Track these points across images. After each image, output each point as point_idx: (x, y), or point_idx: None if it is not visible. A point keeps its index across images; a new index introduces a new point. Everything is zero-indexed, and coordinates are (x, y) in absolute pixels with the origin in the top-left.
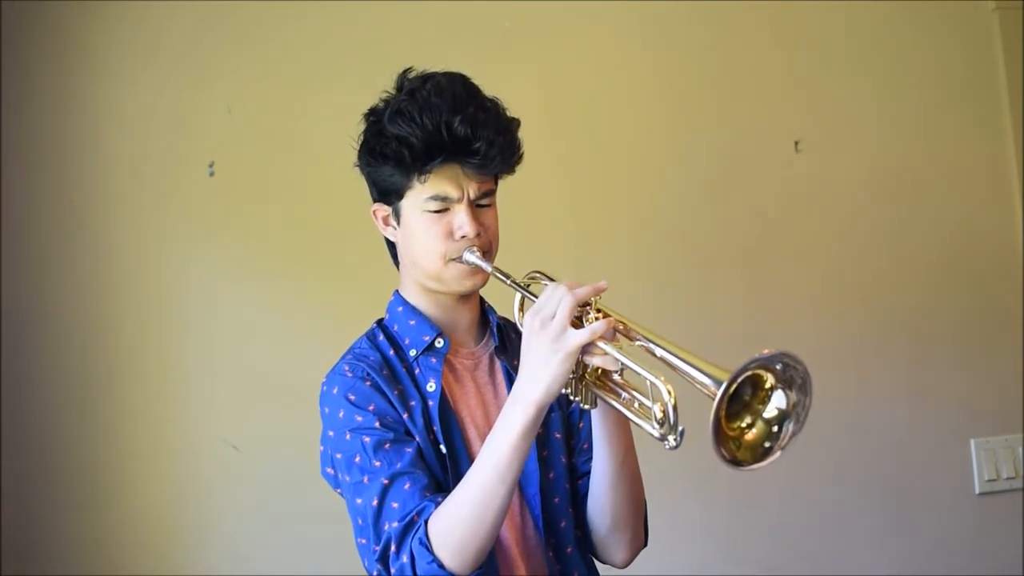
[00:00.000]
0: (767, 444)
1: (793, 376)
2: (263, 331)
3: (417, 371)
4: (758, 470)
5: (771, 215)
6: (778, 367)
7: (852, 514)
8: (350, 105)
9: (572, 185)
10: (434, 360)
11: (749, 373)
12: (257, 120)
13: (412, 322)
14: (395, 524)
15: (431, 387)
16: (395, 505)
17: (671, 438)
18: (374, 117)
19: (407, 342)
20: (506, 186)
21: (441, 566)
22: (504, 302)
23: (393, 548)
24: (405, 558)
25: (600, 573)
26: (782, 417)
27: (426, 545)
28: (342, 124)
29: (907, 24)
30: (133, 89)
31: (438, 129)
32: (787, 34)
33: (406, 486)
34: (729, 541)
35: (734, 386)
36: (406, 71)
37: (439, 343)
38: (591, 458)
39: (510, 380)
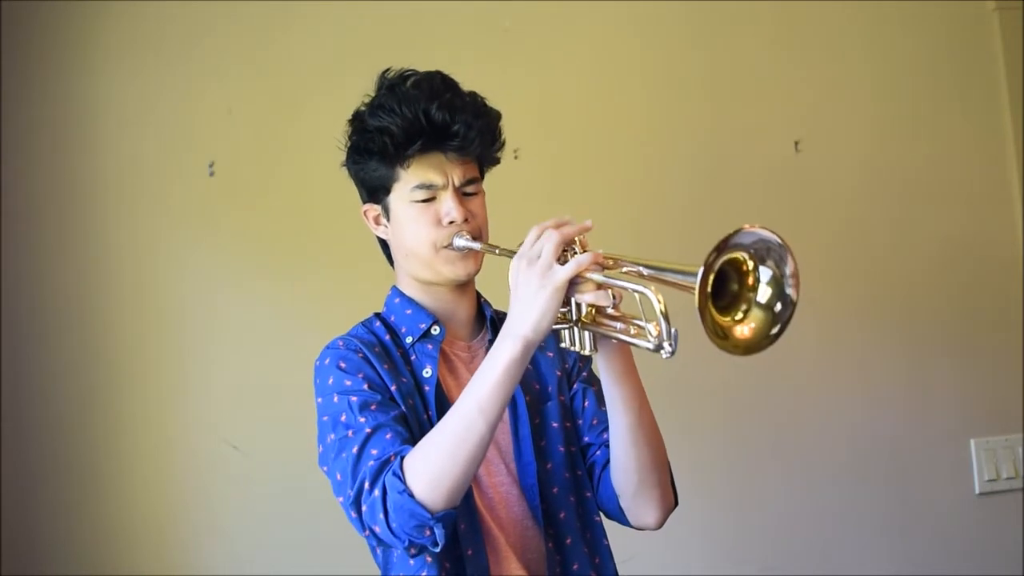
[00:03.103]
0: (774, 331)
1: (767, 250)
2: (263, 331)
3: (413, 357)
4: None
5: (771, 215)
6: (752, 249)
7: (852, 514)
8: (350, 105)
9: (571, 185)
10: (430, 347)
11: (726, 258)
12: (257, 120)
13: (408, 311)
14: (371, 463)
15: (427, 373)
16: (374, 451)
17: (666, 345)
18: (357, 117)
19: (403, 330)
20: (506, 185)
21: (411, 496)
22: (502, 297)
23: (367, 485)
24: (377, 492)
25: (607, 561)
26: (779, 291)
27: (399, 476)
28: (342, 124)
29: (907, 24)
30: (133, 89)
31: (417, 116)
32: (787, 34)
33: (387, 436)
34: (728, 541)
35: (712, 274)
36: (385, 71)
37: (435, 330)
38: (606, 428)
39: None
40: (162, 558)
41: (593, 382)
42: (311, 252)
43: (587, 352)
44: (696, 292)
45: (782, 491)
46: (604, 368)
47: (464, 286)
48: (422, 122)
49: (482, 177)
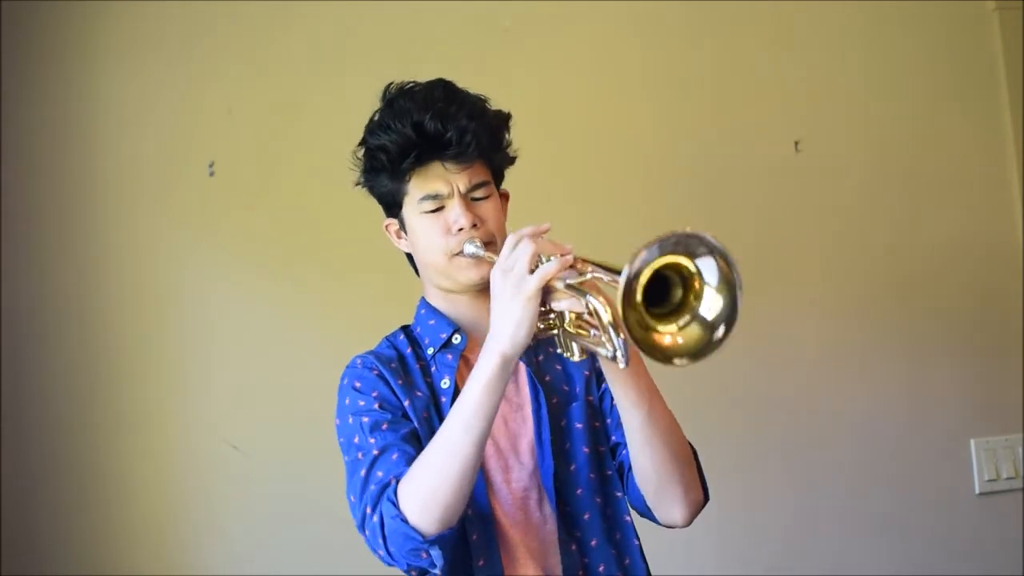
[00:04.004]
0: (709, 338)
1: (694, 246)
2: (263, 331)
3: (433, 368)
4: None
5: (771, 215)
6: (683, 251)
7: (852, 514)
8: (350, 105)
9: (571, 185)
10: (450, 357)
11: (665, 262)
12: (257, 120)
13: (432, 321)
14: (373, 488)
15: (445, 384)
16: (380, 473)
17: (619, 355)
18: (364, 136)
19: (426, 341)
20: (506, 186)
21: (405, 521)
22: None
23: (368, 510)
24: (376, 518)
25: (638, 562)
26: (727, 294)
27: (393, 501)
28: (342, 124)
29: (907, 24)
30: (133, 89)
31: (410, 130)
32: (787, 34)
33: (394, 456)
34: (730, 541)
35: (641, 276)
36: (388, 85)
37: (456, 339)
38: None
39: (532, 381)
40: (162, 558)
41: None
42: (311, 252)
43: (576, 358)
44: (619, 294)
45: (782, 491)
46: (606, 370)
47: (487, 292)
48: (413, 136)
49: (499, 178)
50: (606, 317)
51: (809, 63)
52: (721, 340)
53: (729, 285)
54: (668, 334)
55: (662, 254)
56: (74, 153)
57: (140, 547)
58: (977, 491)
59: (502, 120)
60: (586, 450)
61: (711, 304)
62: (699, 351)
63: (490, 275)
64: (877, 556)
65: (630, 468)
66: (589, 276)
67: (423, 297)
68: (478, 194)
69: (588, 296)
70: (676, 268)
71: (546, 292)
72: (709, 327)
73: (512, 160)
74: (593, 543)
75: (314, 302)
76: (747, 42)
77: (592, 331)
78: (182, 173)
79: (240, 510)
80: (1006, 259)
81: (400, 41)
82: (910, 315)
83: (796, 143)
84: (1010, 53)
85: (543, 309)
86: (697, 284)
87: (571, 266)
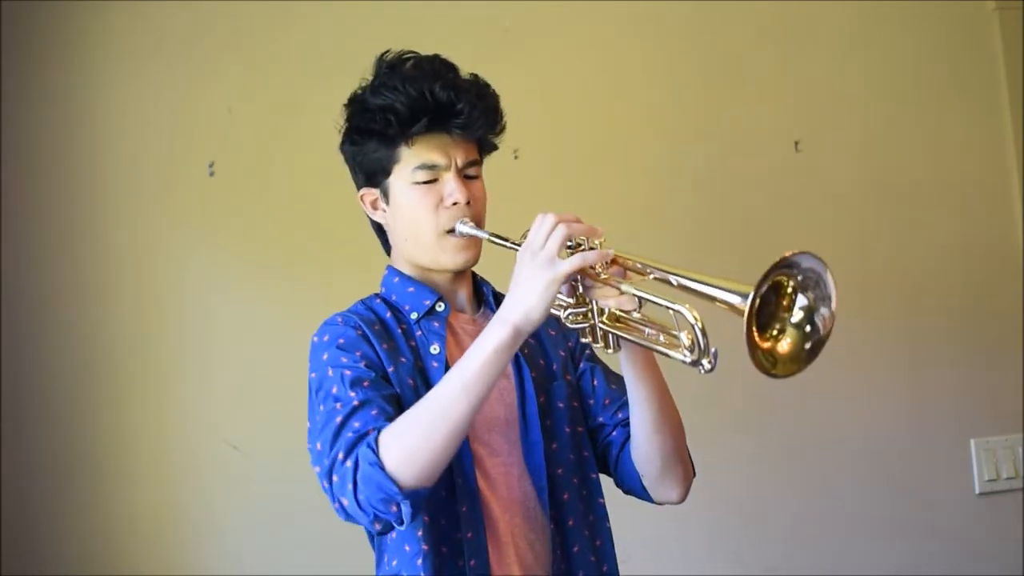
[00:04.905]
0: (807, 345)
1: (807, 279)
2: (263, 331)
3: (419, 333)
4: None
5: (771, 215)
6: (799, 277)
7: (852, 514)
8: None
9: (571, 186)
10: (437, 324)
11: (770, 282)
12: (257, 120)
13: (411, 289)
14: (349, 435)
15: (435, 350)
16: (356, 424)
17: (704, 362)
18: (356, 99)
19: (407, 307)
20: (506, 185)
21: (382, 468)
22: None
23: (340, 456)
24: (349, 463)
25: (608, 544)
26: (811, 312)
27: (372, 448)
28: (342, 124)
29: (907, 24)
30: (133, 89)
31: (422, 94)
32: (787, 34)
33: (373, 412)
34: (728, 541)
35: (758, 300)
36: (383, 54)
37: (440, 307)
38: (620, 408)
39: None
40: (162, 558)
41: (598, 360)
42: (311, 252)
43: (611, 351)
44: (744, 315)
45: (783, 491)
46: (627, 364)
47: (462, 274)
48: (427, 100)
49: (481, 162)
50: (697, 325)
51: (809, 63)
52: (813, 335)
53: (811, 310)
54: (770, 344)
55: (783, 273)
56: (74, 153)
57: (140, 547)
58: (977, 491)
59: (498, 100)
60: (567, 429)
61: (797, 315)
62: (808, 350)
63: (518, 254)
64: (877, 556)
65: (620, 449)
66: (650, 276)
67: (391, 267)
68: (471, 172)
69: (681, 308)
70: (776, 286)
71: (592, 287)
72: (799, 327)
73: (495, 147)
74: (570, 523)
75: (314, 302)
76: (748, 42)
77: (647, 329)
78: (182, 173)
79: (240, 510)
80: (1006, 259)
81: (400, 41)
82: (910, 315)
83: (796, 143)
84: (1010, 53)
85: (577, 303)
86: (787, 301)
87: (613, 261)
